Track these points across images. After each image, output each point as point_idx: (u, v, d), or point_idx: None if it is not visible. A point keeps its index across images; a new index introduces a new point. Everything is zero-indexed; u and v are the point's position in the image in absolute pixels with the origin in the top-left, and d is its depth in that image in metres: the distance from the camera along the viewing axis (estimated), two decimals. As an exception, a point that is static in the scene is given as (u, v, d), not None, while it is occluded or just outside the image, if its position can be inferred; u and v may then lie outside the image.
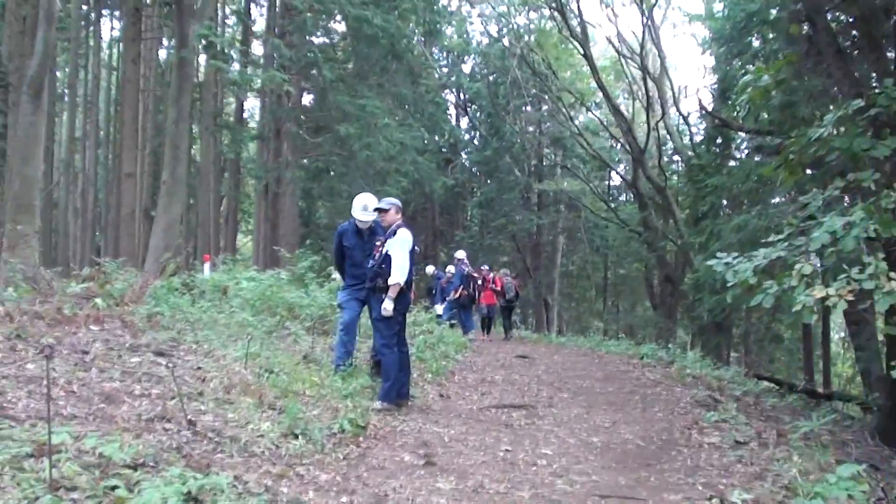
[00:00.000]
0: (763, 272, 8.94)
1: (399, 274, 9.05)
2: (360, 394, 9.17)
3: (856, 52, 11.82)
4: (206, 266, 16.49)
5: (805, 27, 11.40)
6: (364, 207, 9.96)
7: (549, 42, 39.88)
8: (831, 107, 10.51)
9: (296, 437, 7.07)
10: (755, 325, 28.21)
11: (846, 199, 9.83)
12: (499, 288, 22.57)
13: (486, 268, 23.57)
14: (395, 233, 9.24)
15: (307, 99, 29.68)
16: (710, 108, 24.14)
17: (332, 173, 29.88)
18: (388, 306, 9.00)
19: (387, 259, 9.15)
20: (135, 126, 23.28)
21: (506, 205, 42.51)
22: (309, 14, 24.05)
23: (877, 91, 8.98)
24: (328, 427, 7.60)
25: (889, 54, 10.94)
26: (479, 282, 22.03)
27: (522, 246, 44.87)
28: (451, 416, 9.17)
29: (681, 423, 9.24)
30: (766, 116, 17.68)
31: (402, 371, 9.34)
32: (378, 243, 9.45)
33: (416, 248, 9.53)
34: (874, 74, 11.04)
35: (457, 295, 21.44)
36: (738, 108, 19.40)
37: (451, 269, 22.91)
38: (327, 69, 23.90)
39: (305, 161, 28.49)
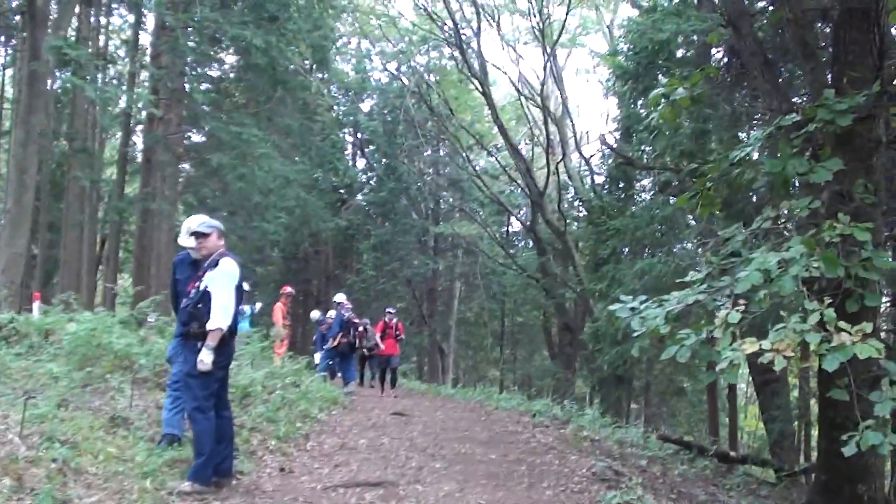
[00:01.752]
0: (676, 320, 7.30)
1: (221, 317, 7.07)
2: (169, 470, 7.21)
3: (783, 63, 10.35)
4: (36, 306, 14.22)
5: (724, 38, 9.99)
6: (187, 230, 7.92)
7: (449, 80, 38.69)
8: (751, 131, 8.89)
9: (46, 539, 5.14)
10: (657, 378, 26.86)
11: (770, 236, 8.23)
12: (402, 335, 20.62)
13: (392, 310, 21.20)
14: (216, 263, 7.26)
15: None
16: (613, 147, 22.92)
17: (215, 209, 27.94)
18: (205, 358, 6.96)
19: (205, 297, 7.16)
20: (-21, 149, 21.04)
21: (401, 248, 40.72)
22: (187, 40, 22.13)
23: (814, 104, 7.43)
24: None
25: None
26: (362, 328, 20.00)
27: (419, 292, 43.17)
28: (286, 499, 7.18)
29: (575, 508, 7.45)
30: (673, 151, 16.31)
31: (223, 442, 7.34)
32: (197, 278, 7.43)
33: (242, 284, 7.56)
34: (805, 90, 9.57)
35: (335, 342, 19.39)
36: (647, 128, 17.92)
37: (331, 314, 21.00)
38: (199, 93, 21.95)
39: (187, 196, 26.49)
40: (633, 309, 7.49)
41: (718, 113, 13.18)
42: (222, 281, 7.16)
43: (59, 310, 13.66)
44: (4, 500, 5.52)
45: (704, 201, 8.63)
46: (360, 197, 44.36)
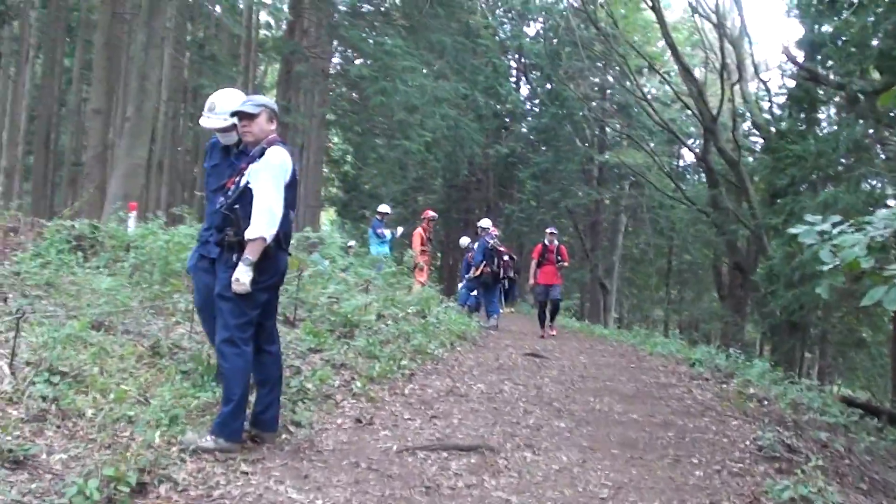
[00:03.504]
0: (883, 250, 5.27)
1: (264, 223, 5.30)
2: (198, 418, 5.63)
3: None
4: (132, 217, 12.91)
5: None
6: (210, 108, 5.90)
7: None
8: None
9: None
10: (835, 326, 24.32)
11: None
12: (565, 262, 17.82)
13: (554, 230, 18.24)
14: (262, 153, 5.47)
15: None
16: (797, 61, 20.51)
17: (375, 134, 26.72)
18: (241, 276, 5.25)
19: (245, 197, 5.39)
20: (106, 54, 19.89)
21: (563, 177, 38.86)
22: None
23: None
24: (58, 492, 4.09)
25: None
26: (507, 257, 18.05)
27: (581, 225, 41.29)
28: (343, 463, 5.47)
29: (732, 499, 5.50)
30: (867, 54, 13.93)
31: (266, 385, 5.67)
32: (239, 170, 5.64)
33: (296, 178, 5.73)
34: None
35: (477, 272, 17.63)
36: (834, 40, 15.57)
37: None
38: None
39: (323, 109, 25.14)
40: (822, 234, 5.44)
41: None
42: (268, 176, 5.37)
43: (161, 223, 12.29)
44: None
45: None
46: (523, 126, 42.74)
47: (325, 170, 39.80)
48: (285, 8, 19.50)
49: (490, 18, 38.85)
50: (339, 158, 42.37)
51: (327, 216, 46.68)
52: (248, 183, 5.39)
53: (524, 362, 11.61)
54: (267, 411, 5.64)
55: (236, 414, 5.31)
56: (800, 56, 22.80)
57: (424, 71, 23.71)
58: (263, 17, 35.12)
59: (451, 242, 39.20)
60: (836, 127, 20.33)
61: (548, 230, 18.05)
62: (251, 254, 5.28)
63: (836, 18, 18.08)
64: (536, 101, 42.70)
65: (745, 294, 29.51)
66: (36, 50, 33.17)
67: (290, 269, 9.64)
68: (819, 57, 20.56)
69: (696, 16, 31.86)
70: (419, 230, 18.33)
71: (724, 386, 10.94)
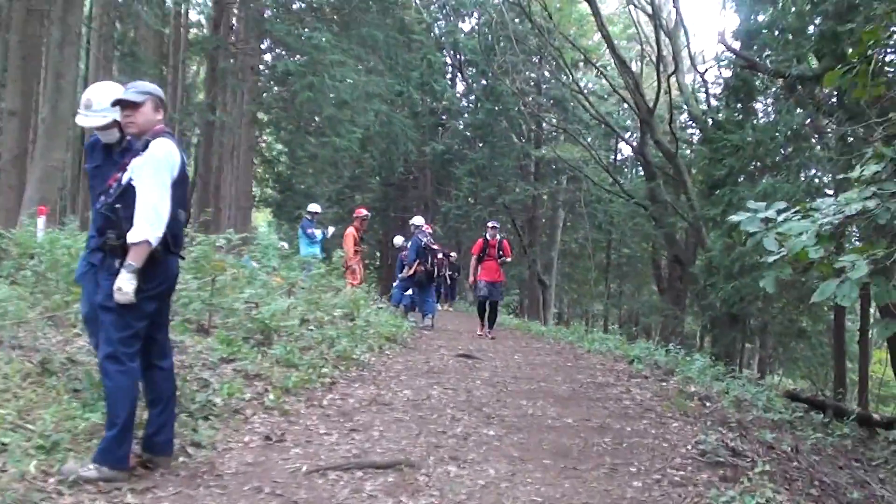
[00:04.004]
0: (832, 239, 4.86)
1: (147, 223, 4.71)
2: (85, 443, 5.07)
3: None
4: (40, 222, 12.15)
5: None
6: (87, 105, 5.29)
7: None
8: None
9: None
10: (776, 317, 24.09)
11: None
12: (508, 257, 17.00)
13: (496, 224, 17.42)
14: (146, 146, 4.90)
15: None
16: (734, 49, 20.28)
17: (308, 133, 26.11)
18: (124, 284, 4.65)
19: (127, 195, 4.80)
20: (21, 52, 19.01)
21: (500, 173, 38.69)
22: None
23: None
24: None
25: None
26: (441, 255, 17.60)
27: (519, 221, 41.02)
28: (245, 488, 4.91)
29: (673, 513, 5.07)
30: (803, 39, 13.69)
31: (158, 405, 5.11)
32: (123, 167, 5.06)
33: (186, 174, 5.16)
34: None
35: (411, 271, 17.17)
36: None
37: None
38: (265, -6, 19.78)
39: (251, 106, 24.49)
40: (767, 221, 5.01)
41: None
42: (151, 171, 4.78)
43: (73, 228, 11.63)
44: None
45: (861, 79, 6.04)
46: (461, 123, 42.49)
47: (259, 170, 39.22)
48: (209, 2, 18.73)
49: (424, 14, 38.48)
50: (272, 158, 41.69)
51: (263, 217, 46.07)
52: (130, 180, 4.83)
53: (456, 364, 11.13)
54: (160, 433, 5.08)
55: (121, 438, 4.73)
56: (736, 46, 22.58)
57: (360, 67, 23.17)
58: (194, 16, 34.69)
59: (388, 241, 38.83)
60: (773, 116, 20.13)
61: (489, 224, 17.47)
62: (135, 259, 4.71)
63: (772, 6, 17.91)
64: (472, 98, 42.48)
65: (685, 287, 29.37)
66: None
67: (212, 272, 9.19)
68: (756, 46, 20.36)
69: (632, 8, 31.61)
70: (351, 230, 17.76)
71: (664, 384, 10.54)
